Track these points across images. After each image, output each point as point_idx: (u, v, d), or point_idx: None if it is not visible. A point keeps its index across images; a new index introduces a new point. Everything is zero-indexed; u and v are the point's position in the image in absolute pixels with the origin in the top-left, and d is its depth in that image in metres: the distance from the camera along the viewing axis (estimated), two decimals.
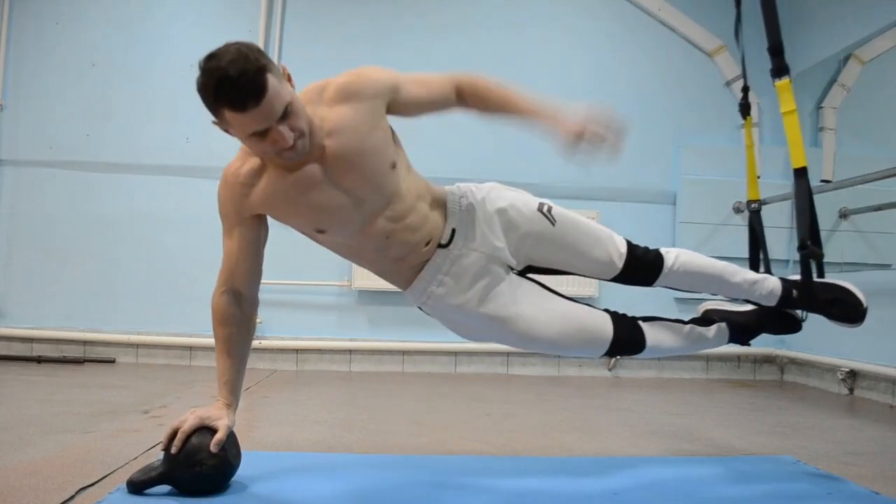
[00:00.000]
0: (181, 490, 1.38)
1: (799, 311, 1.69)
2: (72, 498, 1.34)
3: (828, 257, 3.59)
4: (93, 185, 3.57)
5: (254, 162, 1.37)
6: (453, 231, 1.48)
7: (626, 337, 1.56)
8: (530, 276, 1.59)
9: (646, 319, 1.61)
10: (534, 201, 1.56)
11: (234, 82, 1.17)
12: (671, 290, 1.73)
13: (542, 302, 1.53)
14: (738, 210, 3.70)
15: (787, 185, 3.70)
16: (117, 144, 3.58)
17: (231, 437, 1.42)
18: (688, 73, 3.82)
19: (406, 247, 1.44)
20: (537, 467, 1.71)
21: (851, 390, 3.15)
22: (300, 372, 3.47)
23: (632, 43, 3.84)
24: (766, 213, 3.70)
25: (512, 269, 1.54)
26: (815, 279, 1.66)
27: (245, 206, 1.39)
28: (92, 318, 3.52)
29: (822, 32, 3.60)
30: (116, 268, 3.55)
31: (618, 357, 1.60)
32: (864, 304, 1.62)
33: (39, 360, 3.41)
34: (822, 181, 3.57)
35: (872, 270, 3.28)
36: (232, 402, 1.44)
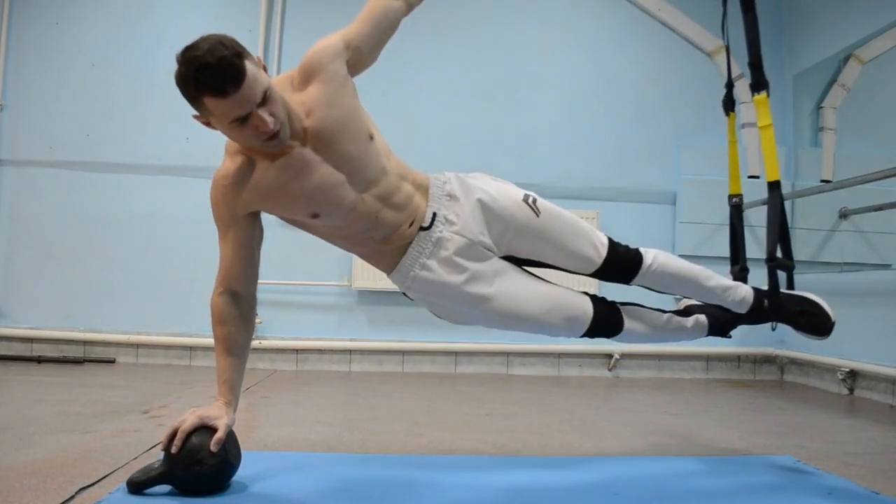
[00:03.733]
0: (181, 490, 1.38)
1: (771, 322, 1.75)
2: (72, 498, 1.34)
3: (828, 257, 3.62)
4: (93, 185, 3.57)
5: (241, 159, 1.38)
6: (434, 214, 1.50)
7: (606, 317, 1.60)
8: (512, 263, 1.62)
9: (625, 304, 1.66)
10: (519, 192, 1.59)
11: (213, 68, 1.19)
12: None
13: (524, 282, 1.56)
14: None
15: (788, 185, 3.73)
16: (117, 144, 3.58)
17: (231, 437, 1.43)
18: (688, 73, 3.82)
19: (391, 227, 1.47)
20: (537, 467, 1.71)
21: (851, 390, 3.15)
22: (300, 372, 3.47)
23: (632, 43, 3.84)
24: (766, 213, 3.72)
25: (494, 254, 1.56)
26: (786, 291, 1.71)
27: (239, 204, 1.40)
28: (92, 318, 3.52)
29: (822, 32, 3.60)
30: (116, 268, 3.55)
31: (601, 337, 1.63)
32: (833, 319, 1.66)
33: (39, 360, 3.41)
34: (822, 181, 3.57)
35: (872, 270, 3.28)
36: (231, 400, 1.44)
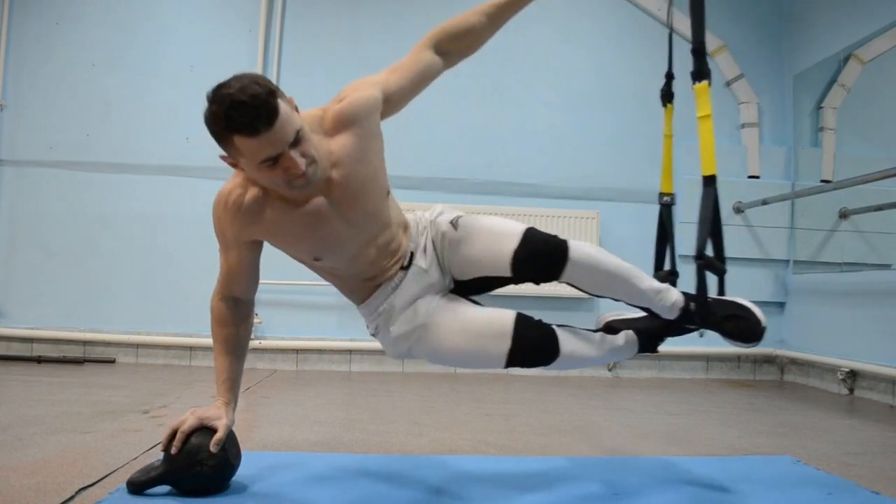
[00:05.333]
0: (181, 490, 1.38)
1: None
2: (72, 498, 1.34)
3: (828, 257, 3.63)
4: (93, 185, 3.57)
5: (256, 191, 1.35)
6: (412, 254, 1.51)
7: (533, 341, 1.44)
8: (471, 296, 1.57)
9: (561, 326, 1.52)
10: (451, 215, 1.55)
11: (246, 105, 1.17)
12: None
13: (457, 311, 1.47)
14: (738, 210, 3.70)
15: (787, 185, 3.73)
16: (117, 144, 3.58)
17: (231, 437, 1.43)
18: (688, 73, 3.80)
19: (381, 269, 1.48)
20: (537, 467, 1.71)
21: (851, 390, 3.15)
22: (300, 372, 3.47)
23: (631, 43, 3.84)
24: (767, 213, 3.73)
25: (438, 285, 1.53)
26: (717, 296, 1.56)
27: (246, 233, 1.40)
28: (92, 318, 3.52)
29: (822, 32, 3.60)
30: (116, 268, 3.55)
31: (532, 365, 1.46)
32: (764, 324, 1.49)
33: (39, 360, 3.41)
34: (822, 181, 3.57)
35: (872, 270, 3.28)
36: (231, 400, 1.45)
